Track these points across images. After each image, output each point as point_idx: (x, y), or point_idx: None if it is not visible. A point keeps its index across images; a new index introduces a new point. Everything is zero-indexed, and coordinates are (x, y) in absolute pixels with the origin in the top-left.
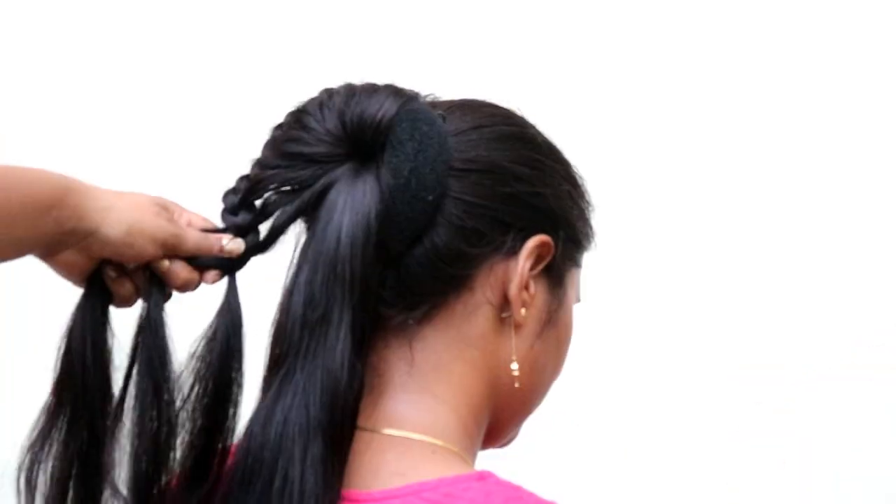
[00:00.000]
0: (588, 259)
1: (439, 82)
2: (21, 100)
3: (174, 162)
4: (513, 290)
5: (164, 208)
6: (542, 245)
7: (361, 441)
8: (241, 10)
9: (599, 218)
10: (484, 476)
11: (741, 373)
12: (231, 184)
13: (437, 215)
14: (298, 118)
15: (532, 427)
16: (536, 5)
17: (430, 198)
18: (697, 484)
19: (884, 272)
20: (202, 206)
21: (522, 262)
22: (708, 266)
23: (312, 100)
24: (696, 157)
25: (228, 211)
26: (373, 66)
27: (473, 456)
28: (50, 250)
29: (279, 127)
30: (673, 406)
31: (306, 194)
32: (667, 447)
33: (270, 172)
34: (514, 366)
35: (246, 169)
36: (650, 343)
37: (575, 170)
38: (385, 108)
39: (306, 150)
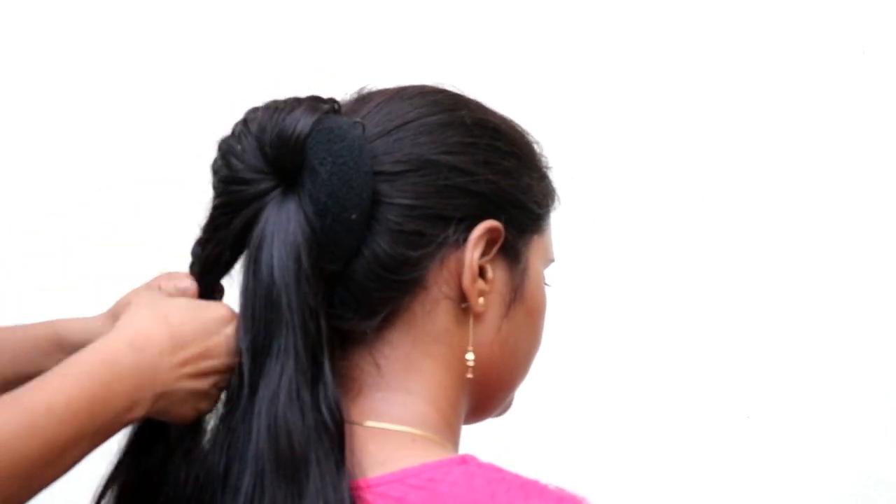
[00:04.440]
0: (589, 260)
1: (432, 76)
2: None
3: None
4: (465, 282)
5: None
6: (488, 231)
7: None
8: (234, 9)
9: (607, 223)
10: (466, 460)
11: (739, 371)
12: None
13: (372, 224)
14: (226, 161)
15: (528, 428)
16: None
17: (354, 216)
18: (693, 476)
19: (884, 273)
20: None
21: (470, 253)
22: (708, 264)
23: (234, 133)
24: (696, 158)
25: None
26: (366, 63)
27: (455, 443)
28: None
29: (214, 166)
30: (671, 402)
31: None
32: (666, 445)
33: (205, 242)
34: (470, 356)
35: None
36: (650, 339)
37: (521, 138)
38: (298, 129)
39: (236, 197)
